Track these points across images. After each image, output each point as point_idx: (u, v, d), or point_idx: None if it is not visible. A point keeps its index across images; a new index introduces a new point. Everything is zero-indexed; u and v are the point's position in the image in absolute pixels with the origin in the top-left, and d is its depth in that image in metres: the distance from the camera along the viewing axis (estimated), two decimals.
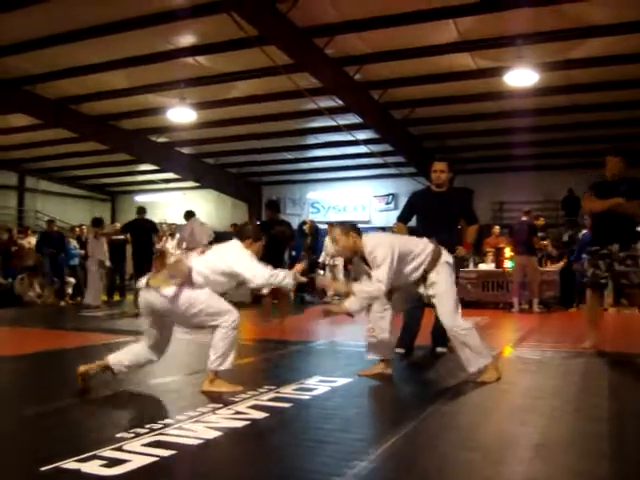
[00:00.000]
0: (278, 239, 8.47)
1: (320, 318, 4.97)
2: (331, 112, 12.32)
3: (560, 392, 4.15)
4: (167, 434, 2.95)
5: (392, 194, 18.60)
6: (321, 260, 13.21)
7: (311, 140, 16.11)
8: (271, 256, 8.37)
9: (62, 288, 12.71)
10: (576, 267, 11.55)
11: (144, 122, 14.69)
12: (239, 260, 4.04)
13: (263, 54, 9.37)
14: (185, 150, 17.58)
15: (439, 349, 5.58)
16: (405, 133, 14.82)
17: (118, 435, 2.89)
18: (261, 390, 3.91)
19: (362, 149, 15.30)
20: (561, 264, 11.89)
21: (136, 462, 2.54)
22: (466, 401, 3.90)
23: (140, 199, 20.91)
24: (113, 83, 11.99)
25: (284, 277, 4.12)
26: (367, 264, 4.23)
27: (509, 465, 2.65)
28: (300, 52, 10.03)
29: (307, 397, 3.81)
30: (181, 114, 13.06)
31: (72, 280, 13.49)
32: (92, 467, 2.48)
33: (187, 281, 3.89)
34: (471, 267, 12.23)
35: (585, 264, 11.19)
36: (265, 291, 8.70)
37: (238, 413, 3.36)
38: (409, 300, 4.92)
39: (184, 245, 11.04)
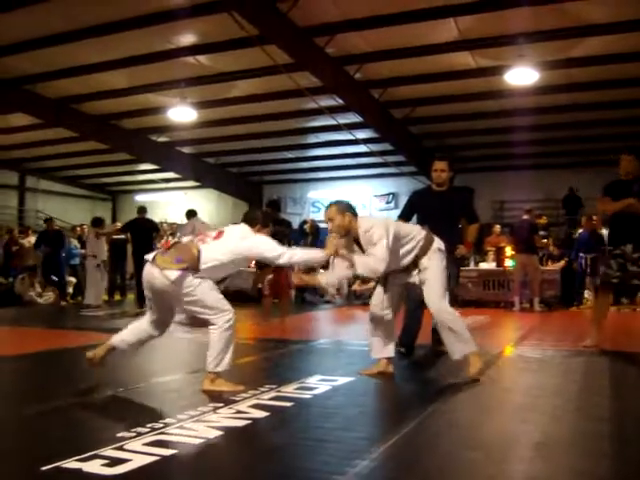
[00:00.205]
0: (279, 238, 8.46)
1: (292, 282, 4.94)
2: (331, 111, 12.32)
3: (561, 391, 4.15)
4: (168, 433, 2.95)
5: (392, 193, 18.60)
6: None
7: (312, 139, 16.12)
8: None
9: (63, 287, 12.69)
10: (574, 266, 11.59)
11: (145, 121, 14.69)
12: (259, 241, 4.04)
13: (264, 53, 9.38)
14: (186, 149, 17.59)
15: (440, 348, 5.57)
16: (405, 132, 14.82)
17: (119, 434, 2.88)
18: (262, 389, 3.91)
19: (362, 148, 15.29)
20: (562, 263, 11.89)
21: (137, 461, 2.53)
22: (467, 400, 3.90)
23: (141, 199, 20.91)
24: (114, 82, 12.00)
25: (306, 254, 4.22)
26: (359, 246, 4.20)
27: (510, 464, 2.65)
28: (301, 51, 10.04)
29: (308, 396, 3.80)
30: (182, 113, 13.06)
31: (73, 279, 13.50)
32: (93, 467, 2.47)
33: (193, 266, 3.86)
34: (472, 266, 12.22)
35: (583, 262, 11.38)
36: (266, 292, 8.73)
37: (239, 412, 3.36)
38: (408, 298, 4.91)
39: None
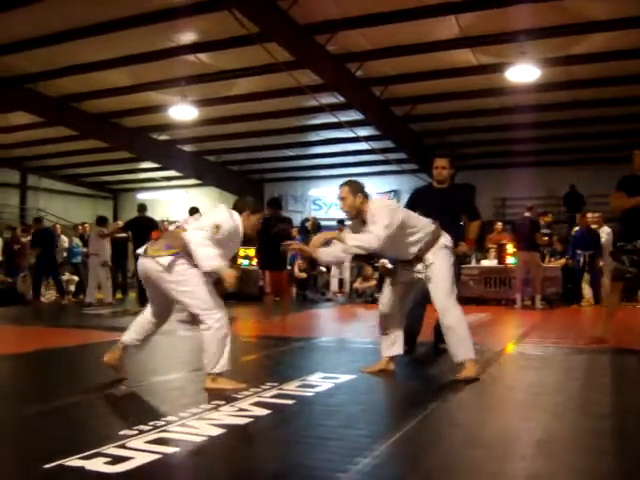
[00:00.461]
0: (280, 236, 8.48)
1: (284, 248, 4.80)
2: (332, 109, 12.31)
3: (563, 388, 4.15)
4: (170, 431, 2.95)
5: (394, 191, 18.58)
6: None
7: (312, 137, 16.11)
8: (274, 253, 8.45)
9: (60, 286, 12.60)
10: (569, 263, 11.61)
11: (145, 120, 14.70)
12: (201, 219, 3.96)
13: (264, 51, 9.37)
14: (187, 148, 17.59)
15: (441, 345, 5.57)
16: (406, 129, 14.81)
17: (121, 432, 2.89)
18: (264, 387, 3.91)
19: (364, 146, 15.29)
20: (563, 260, 11.90)
21: (139, 459, 2.54)
22: (469, 397, 3.90)
23: (142, 197, 20.91)
24: (114, 81, 12.00)
25: (208, 257, 3.80)
26: (364, 223, 4.17)
27: (512, 461, 2.65)
28: (301, 49, 10.03)
29: (310, 394, 3.81)
30: (182, 112, 13.06)
31: (75, 278, 13.52)
32: (96, 464, 2.48)
33: (184, 249, 3.87)
34: (473, 263, 12.22)
35: (581, 260, 11.37)
36: (267, 290, 8.74)
37: (241, 410, 3.36)
38: (412, 297, 4.89)
39: None
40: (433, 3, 8.74)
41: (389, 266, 4.76)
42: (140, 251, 4.06)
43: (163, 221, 15.45)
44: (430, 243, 4.25)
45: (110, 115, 14.38)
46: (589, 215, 11.84)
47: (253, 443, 2.90)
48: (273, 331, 7.49)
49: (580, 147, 15.64)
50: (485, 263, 12.47)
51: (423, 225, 4.29)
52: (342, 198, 4.23)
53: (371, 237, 3.99)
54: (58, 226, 14.74)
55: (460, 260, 6.00)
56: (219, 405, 3.44)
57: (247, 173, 20.22)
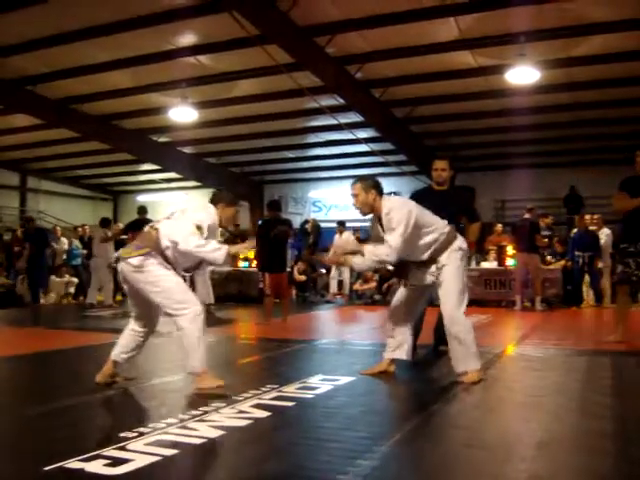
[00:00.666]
0: (280, 238, 8.48)
1: (323, 259, 4.77)
2: (332, 111, 12.31)
3: (563, 390, 4.15)
4: (170, 433, 2.95)
5: (393, 192, 18.51)
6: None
7: (312, 139, 16.11)
8: (274, 255, 8.46)
9: (44, 286, 12.54)
10: (569, 265, 11.61)
11: (146, 122, 14.69)
12: (182, 224, 3.91)
13: (264, 53, 9.37)
14: (187, 149, 17.59)
15: (441, 347, 5.58)
16: (406, 131, 14.81)
17: (121, 434, 2.89)
18: (264, 389, 3.91)
19: (363, 147, 15.27)
20: (562, 262, 11.90)
21: (140, 461, 2.54)
22: (469, 399, 3.90)
23: (142, 199, 20.90)
24: (115, 83, 11.99)
25: (215, 249, 3.86)
26: (381, 225, 4.13)
27: (513, 463, 2.65)
28: (301, 51, 10.03)
29: (310, 396, 3.81)
30: (183, 113, 13.06)
31: (75, 280, 13.52)
32: (96, 466, 2.48)
33: (155, 249, 3.88)
34: (473, 265, 12.22)
35: (580, 261, 11.35)
36: (267, 292, 8.74)
37: (241, 412, 3.36)
38: (424, 302, 4.82)
39: None
40: (433, 5, 8.74)
41: (390, 267, 4.70)
42: (116, 254, 4.11)
43: None
44: (445, 244, 4.19)
45: (110, 117, 14.37)
46: (587, 217, 11.87)
47: (253, 445, 2.89)
48: (273, 333, 7.49)
49: (580, 149, 15.63)
50: (485, 265, 12.48)
51: (437, 226, 4.21)
52: (354, 195, 4.19)
53: (389, 251, 3.98)
54: (58, 228, 14.76)
55: None
56: (219, 407, 3.44)
57: (247, 175, 20.21)
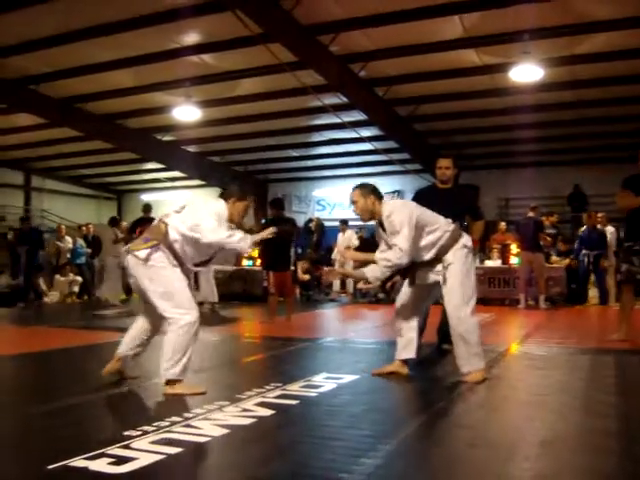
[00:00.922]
0: (284, 237, 8.48)
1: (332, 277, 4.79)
2: (336, 109, 12.30)
3: (567, 388, 4.14)
4: (174, 432, 2.95)
5: (398, 191, 18.55)
6: (333, 257, 13.25)
7: (316, 137, 16.10)
8: (279, 253, 8.45)
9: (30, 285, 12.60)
10: (574, 263, 11.58)
11: (150, 121, 14.71)
12: (205, 215, 3.91)
13: (268, 52, 9.37)
14: (191, 148, 17.60)
15: (445, 346, 5.58)
16: (410, 130, 14.79)
17: (125, 433, 2.89)
18: (268, 387, 3.91)
19: (367, 146, 15.27)
20: (567, 260, 11.88)
21: (144, 460, 2.54)
22: (473, 398, 3.89)
23: (146, 198, 20.88)
24: (118, 82, 12.01)
25: (241, 239, 3.93)
26: (384, 229, 4.12)
27: (517, 462, 2.65)
28: (305, 49, 10.03)
29: (314, 394, 3.81)
30: (186, 112, 13.07)
31: (79, 279, 13.54)
32: (100, 465, 2.48)
33: (163, 242, 3.87)
34: (477, 264, 12.19)
35: (586, 260, 11.33)
36: (272, 290, 8.74)
37: (245, 410, 3.36)
38: (430, 301, 4.78)
39: None
40: (437, 3, 8.72)
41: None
42: (125, 248, 4.09)
43: None
44: (450, 243, 4.17)
45: (114, 116, 14.39)
46: (599, 215, 11.75)
47: (257, 444, 2.90)
48: (277, 332, 7.49)
49: (584, 147, 15.60)
50: (489, 263, 12.45)
51: (441, 224, 4.20)
52: (354, 202, 4.21)
53: (400, 254, 3.96)
54: (62, 227, 14.77)
55: None
56: (223, 406, 3.44)
57: (251, 174, 20.21)
